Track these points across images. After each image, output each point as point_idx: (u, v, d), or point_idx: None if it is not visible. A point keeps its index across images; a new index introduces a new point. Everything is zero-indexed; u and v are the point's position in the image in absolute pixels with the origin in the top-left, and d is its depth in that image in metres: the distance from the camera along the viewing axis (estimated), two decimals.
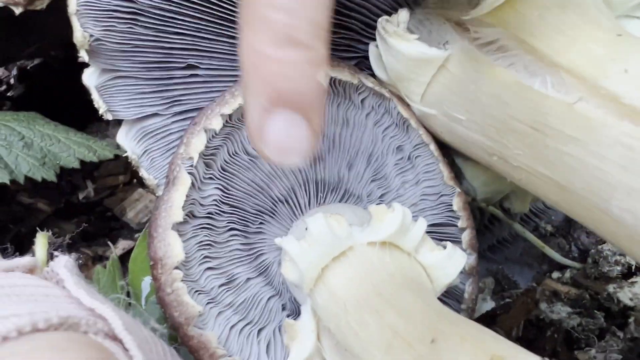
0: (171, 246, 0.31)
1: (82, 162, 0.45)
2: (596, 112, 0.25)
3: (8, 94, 0.84)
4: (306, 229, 0.29)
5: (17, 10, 0.42)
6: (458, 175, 0.39)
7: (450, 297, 0.38)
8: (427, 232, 0.37)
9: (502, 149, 0.30)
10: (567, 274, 0.47)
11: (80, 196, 0.64)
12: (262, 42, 0.23)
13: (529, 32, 0.29)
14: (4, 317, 0.19)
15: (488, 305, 0.47)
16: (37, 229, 0.35)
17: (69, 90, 0.49)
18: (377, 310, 0.26)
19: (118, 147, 0.42)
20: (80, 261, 0.44)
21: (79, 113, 0.54)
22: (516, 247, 0.52)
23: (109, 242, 0.44)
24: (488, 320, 0.45)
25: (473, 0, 0.33)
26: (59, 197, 0.63)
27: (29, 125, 0.44)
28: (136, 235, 0.57)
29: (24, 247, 0.56)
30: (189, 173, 0.32)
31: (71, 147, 0.45)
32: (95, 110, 0.39)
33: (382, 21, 0.34)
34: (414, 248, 0.31)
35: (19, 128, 0.44)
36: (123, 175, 0.66)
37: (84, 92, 0.40)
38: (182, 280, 0.31)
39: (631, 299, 0.41)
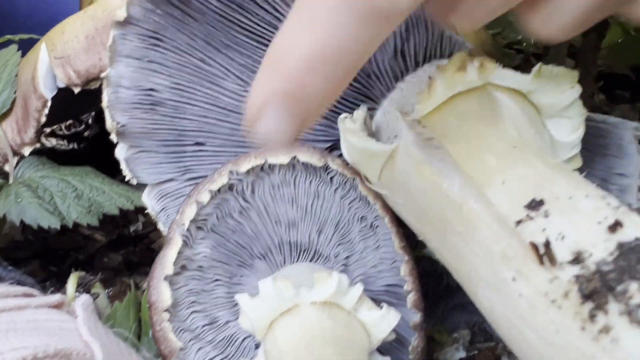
0: (162, 294, 0.39)
1: (120, 209, 0.56)
2: (478, 215, 0.31)
3: (85, 133, 0.99)
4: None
5: (76, 90, 0.53)
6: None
7: (404, 347, 0.45)
8: (385, 291, 0.44)
9: (424, 232, 0.36)
10: None
11: (131, 229, 0.76)
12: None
13: (447, 137, 0.36)
14: (15, 349, 0.29)
15: (459, 354, 0.53)
16: (72, 269, 0.45)
17: None
18: (303, 357, 0.33)
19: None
20: (110, 293, 0.54)
21: None
22: None
23: (131, 281, 0.53)
24: None
25: (414, 105, 0.39)
26: (113, 229, 0.75)
27: (82, 179, 0.55)
28: None
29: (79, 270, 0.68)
30: (182, 235, 0.41)
31: (113, 197, 0.55)
32: None
33: (341, 118, 0.41)
34: (353, 307, 0.38)
35: (74, 182, 0.54)
36: None
37: None
38: (168, 321, 0.39)
39: None
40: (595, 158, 0.54)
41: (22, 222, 0.54)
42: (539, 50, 1.10)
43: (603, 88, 1.07)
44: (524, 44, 1.03)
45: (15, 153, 0.57)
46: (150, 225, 0.76)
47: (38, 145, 0.58)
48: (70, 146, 0.96)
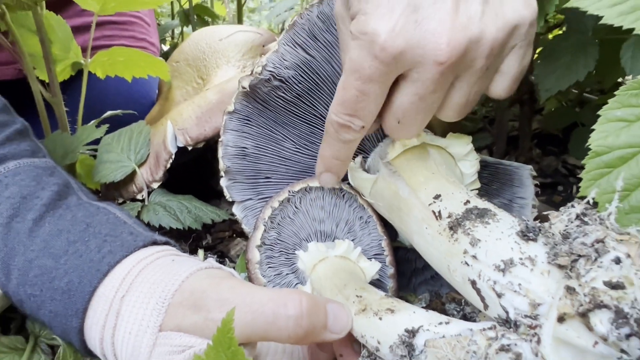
0: (254, 255, 0.73)
1: (212, 220, 0.90)
2: (414, 204, 0.66)
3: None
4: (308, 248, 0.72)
5: (189, 148, 0.89)
6: (395, 233, 0.80)
7: (385, 290, 0.78)
8: (373, 257, 0.78)
9: (391, 218, 0.71)
10: None
11: (203, 242, 1.10)
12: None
13: (402, 170, 0.71)
14: (196, 259, 0.63)
15: (421, 305, 0.86)
16: (198, 249, 0.79)
17: (201, 175, 0.95)
18: (331, 277, 0.67)
19: (231, 214, 0.86)
20: None
21: (204, 190, 1.01)
22: None
23: (226, 258, 0.87)
24: None
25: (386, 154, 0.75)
26: (192, 242, 1.09)
27: (189, 202, 0.90)
28: (235, 261, 1.01)
29: None
30: (263, 224, 0.75)
31: (208, 213, 0.90)
32: (214, 189, 0.85)
33: None
34: (355, 260, 0.72)
35: (185, 203, 0.90)
36: (227, 232, 1.12)
37: (207, 177, 0.85)
38: (257, 269, 0.73)
39: None
40: (504, 187, 0.89)
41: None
42: (491, 116, 1.48)
43: (539, 144, 1.43)
44: (478, 113, 1.40)
45: (147, 187, 0.92)
46: (217, 240, 1.11)
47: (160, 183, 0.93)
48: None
